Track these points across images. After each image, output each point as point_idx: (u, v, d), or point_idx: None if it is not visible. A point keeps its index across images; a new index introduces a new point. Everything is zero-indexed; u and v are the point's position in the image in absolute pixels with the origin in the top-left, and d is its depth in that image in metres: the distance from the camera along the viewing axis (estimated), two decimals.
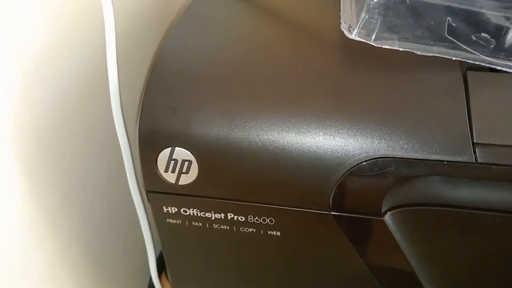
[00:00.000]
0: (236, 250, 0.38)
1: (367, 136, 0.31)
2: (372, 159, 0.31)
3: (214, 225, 0.36)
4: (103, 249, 0.56)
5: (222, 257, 0.39)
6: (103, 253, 0.57)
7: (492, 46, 0.35)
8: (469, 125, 0.30)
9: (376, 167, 0.31)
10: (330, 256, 0.36)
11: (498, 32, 0.35)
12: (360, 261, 0.36)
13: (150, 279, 0.69)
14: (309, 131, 0.32)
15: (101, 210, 0.54)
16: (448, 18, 0.34)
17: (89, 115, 0.48)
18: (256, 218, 0.35)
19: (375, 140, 0.31)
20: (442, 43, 0.33)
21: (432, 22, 0.33)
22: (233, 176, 0.33)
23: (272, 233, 0.36)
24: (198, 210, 0.36)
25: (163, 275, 0.64)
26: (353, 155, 0.31)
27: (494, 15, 0.35)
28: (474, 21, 0.35)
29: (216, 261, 0.40)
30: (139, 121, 0.33)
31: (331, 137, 0.31)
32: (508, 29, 0.36)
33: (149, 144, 0.34)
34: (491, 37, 0.35)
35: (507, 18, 0.35)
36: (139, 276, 0.67)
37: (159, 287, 0.47)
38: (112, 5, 0.34)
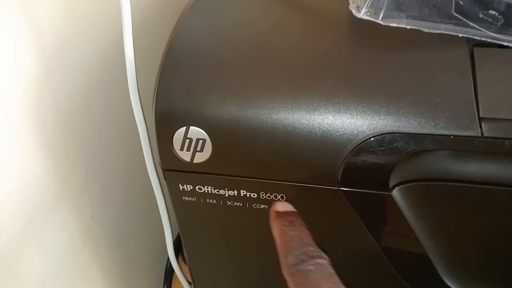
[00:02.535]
0: (249, 226, 0.39)
1: (374, 113, 0.32)
2: (379, 134, 0.32)
3: (227, 202, 0.38)
4: (123, 230, 0.58)
5: (235, 234, 0.41)
6: (124, 234, 0.59)
7: (500, 23, 0.35)
8: (475, 100, 0.31)
9: (384, 143, 0.32)
10: (340, 232, 0.38)
11: (508, 9, 0.36)
12: (369, 237, 0.37)
13: (168, 260, 0.71)
14: (318, 109, 0.33)
15: (121, 192, 0.56)
16: None
17: (108, 98, 0.50)
18: (268, 194, 0.36)
19: (382, 116, 0.32)
20: (449, 21, 0.34)
21: (439, 0, 0.34)
22: (245, 154, 0.35)
23: None
24: (212, 188, 0.37)
25: (180, 257, 0.66)
26: (361, 131, 0.32)
27: None
28: None
29: (230, 238, 0.41)
30: (155, 101, 0.35)
31: (340, 114, 0.32)
32: None
33: (165, 124, 0.35)
34: (499, 14, 0.35)
35: None
36: (159, 257, 0.70)
37: (176, 266, 0.49)
38: None
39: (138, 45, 0.45)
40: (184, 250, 0.44)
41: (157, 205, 0.48)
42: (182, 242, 0.43)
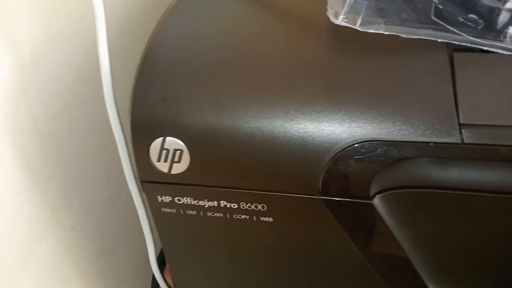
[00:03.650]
0: (231, 237, 0.39)
1: (354, 120, 0.31)
2: (359, 142, 0.31)
3: (208, 213, 0.37)
4: (106, 242, 0.57)
5: (217, 245, 0.40)
6: (107, 246, 0.58)
7: (480, 27, 0.35)
8: (455, 106, 0.30)
9: (363, 151, 0.31)
10: (323, 240, 0.37)
11: (490, 13, 0.35)
12: (352, 245, 0.36)
13: None
14: (297, 117, 0.32)
15: (103, 203, 0.55)
16: (435, 0, 0.34)
17: (88, 108, 0.49)
18: (248, 204, 0.36)
19: (361, 124, 0.31)
20: (428, 26, 0.33)
21: (419, 5, 0.33)
22: (224, 164, 0.34)
23: (264, 219, 0.36)
24: (191, 199, 0.36)
25: (166, 269, 0.65)
26: (340, 139, 0.32)
27: None
28: (462, 3, 0.35)
29: (212, 249, 0.41)
30: (131, 111, 0.34)
31: (319, 122, 0.32)
32: (500, 10, 0.36)
33: (141, 134, 0.34)
34: (479, 19, 0.35)
35: (500, 1, 0.35)
36: (144, 269, 0.69)
37: (160, 277, 0.48)
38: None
39: (116, 53, 0.44)
40: (167, 261, 0.44)
41: None
42: (164, 253, 0.43)
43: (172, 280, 0.45)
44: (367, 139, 0.31)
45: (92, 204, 0.53)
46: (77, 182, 0.50)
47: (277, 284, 0.42)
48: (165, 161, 0.34)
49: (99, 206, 0.54)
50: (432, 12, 0.33)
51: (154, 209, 0.38)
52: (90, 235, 0.54)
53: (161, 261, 0.52)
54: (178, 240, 0.40)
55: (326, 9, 0.34)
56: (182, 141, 0.33)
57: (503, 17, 0.35)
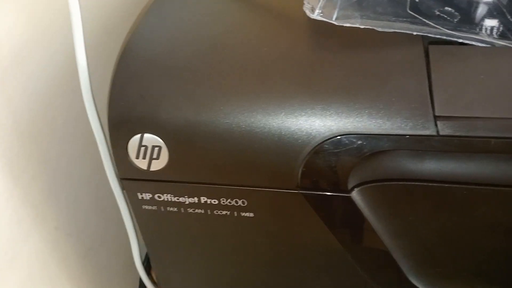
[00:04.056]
0: (212, 233, 0.39)
1: (330, 114, 0.31)
2: (336, 136, 0.31)
3: (188, 209, 0.37)
4: (93, 240, 0.57)
5: (199, 241, 0.40)
6: (94, 244, 0.58)
7: (456, 20, 0.35)
8: (430, 98, 0.30)
9: (340, 144, 0.31)
10: (304, 234, 0.37)
11: (466, 6, 0.35)
12: (333, 238, 0.36)
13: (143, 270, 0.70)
14: (274, 112, 0.32)
15: (89, 202, 0.55)
16: None
17: (70, 106, 0.49)
18: (229, 200, 0.36)
19: (338, 118, 0.31)
20: (404, 19, 0.33)
21: None
22: (203, 159, 0.34)
23: (245, 215, 0.36)
24: (171, 195, 0.36)
25: None
26: (318, 133, 0.32)
27: None
28: None
29: (194, 245, 0.41)
30: (108, 108, 0.34)
31: (296, 117, 0.32)
32: (477, 3, 0.36)
33: (118, 132, 0.34)
34: (455, 11, 0.35)
35: None
36: (133, 267, 0.68)
37: (144, 275, 0.48)
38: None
39: (95, 52, 0.44)
40: (150, 258, 0.44)
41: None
42: (147, 250, 0.42)
43: (156, 277, 0.45)
44: (344, 133, 0.31)
45: (77, 203, 0.53)
46: (62, 181, 0.49)
47: (260, 279, 0.42)
48: (144, 158, 0.34)
49: (85, 205, 0.54)
50: (408, 5, 0.33)
51: (134, 206, 0.38)
52: (76, 234, 0.53)
53: (149, 262, 0.52)
54: (160, 237, 0.40)
55: (303, 4, 0.34)
56: (160, 138, 0.33)
57: (480, 10, 0.35)
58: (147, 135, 0.33)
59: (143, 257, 0.61)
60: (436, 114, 0.30)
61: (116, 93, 0.34)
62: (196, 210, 0.37)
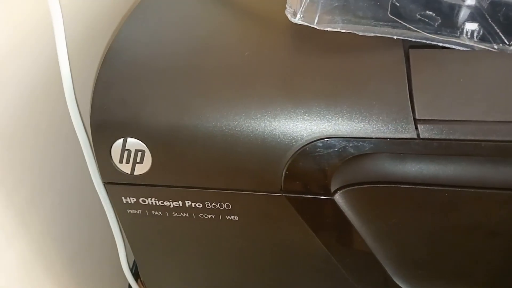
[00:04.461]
0: (198, 236, 0.39)
1: (312, 118, 0.31)
2: (317, 140, 0.31)
3: (173, 213, 0.37)
4: (80, 245, 0.57)
5: (185, 244, 0.40)
6: (81, 249, 0.57)
7: (437, 24, 0.35)
8: (410, 102, 0.31)
9: (322, 148, 0.32)
10: (289, 237, 0.37)
11: (447, 9, 0.36)
12: (317, 241, 0.36)
13: (132, 274, 0.70)
14: (257, 116, 0.32)
15: (75, 206, 0.55)
16: None
17: (54, 111, 0.48)
18: (213, 204, 0.36)
19: (320, 121, 0.31)
20: (385, 23, 0.34)
21: (374, 2, 0.34)
22: (186, 163, 0.34)
23: (230, 218, 0.36)
24: (156, 199, 0.36)
25: None
26: (300, 137, 0.32)
27: None
28: (420, 0, 0.35)
29: (179, 249, 0.40)
30: (91, 113, 0.34)
31: (278, 120, 0.32)
32: (460, 7, 0.36)
33: (102, 136, 0.34)
34: (436, 15, 0.36)
35: None
36: (121, 272, 0.68)
37: (131, 279, 0.47)
38: (60, 5, 0.34)
39: (79, 56, 0.44)
40: (136, 262, 0.43)
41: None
42: (133, 253, 0.42)
43: (142, 281, 0.44)
44: (326, 136, 0.31)
45: (63, 208, 0.52)
46: (47, 186, 0.49)
47: (246, 281, 0.42)
48: (127, 162, 0.34)
49: (70, 209, 0.54)
50: (389, 10, 0.34)
51: (119, 210, 0.38)
52: (62, 239, 0.53)
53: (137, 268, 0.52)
54: (145, 241, 0.40)
55: (285, 8, 0.35)
56: (143, 142, 0.33)
57: (461, 14, 0.36)
58: (130, 139, 0.33)
59: (132, 262, 0.60)
60: (417, 117, 0.30)
61: (98, 97, 0.34)
62: (181, 214, 0.37)
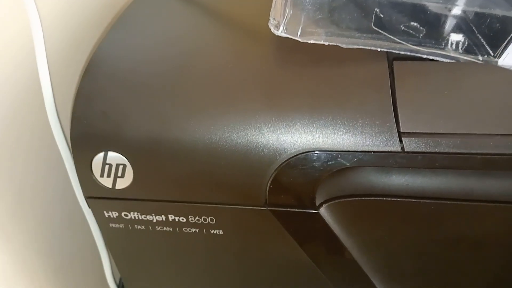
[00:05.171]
0: (182, 250, 0.38)
1: (296, 131, 0.31)
2: (301, 153, 0.31)
3: (156, 227, 0.36)
4: (64, 258, 0.56)
5: (169, 259, 0.39)
6: (65, 262, 0.56)
7: (421, 35, 0.35)
8: (394, 114, 0.30)
9: (307, 161, 0.31)
10: (274, 250, 0.37)
11: (433, 20, 0.36)
12: (303, 254, 0.36)
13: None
14: (240, 129, 0.32)
15: (57, 219, 0.54)
16: (376, 9, 0.34)
17: (35, 124, 0.48)
18: (197, 218, 0.35)
19: (303, 134, 0.31)
20: (368, 35, 0.34)
21: (357, 14, 0.33)
22: (169, 177, 0.33)
23: (214, 232, 0.36)
24: (139, 213, 0.35)
25: None
26: (283, 150, 0.31)
27: (431, 5, 0.35)
28: (404, 11, 0.35)
29: (164, 263, 0.40)
30: (71, 126, 0.33)
31: (262, 134, 0.31)
32: (446, 17, 0.36)
33: (82, 150, 0.33)
34: (421, 26, 0.35)
35: (447, 8, 0.35)
36: (107, 285, 0.67)
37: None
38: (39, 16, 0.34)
39: (60, 67, 0.43)
40: (120, 275, 0.43)
41: None
42: (117, 267, 0.42)
43: None
44: (309, 150, 0.31)
45: (46, 220, 0.51)
46: (29, 199, 0.48)
47: None
48: (109, 176, 0.34)
49: (54, 222, 0.53)
50: (373, 21, 0.33)
51: (101, 224, 0.37)
52: (46, 252, 0.52)
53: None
54: (129, 255, 0.40)
55: (268, 21, 0.34)
56: (124, 156, 0.33)
57: (446, 25, 0.36)
58: (111, 153, 0.33)
59: (119, 277, 0.59)
60: (401, 130, 0.30)
61: (79, 110, 0.33)
62: (164, 228, 0.36)
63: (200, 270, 0.40)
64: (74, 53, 0.52)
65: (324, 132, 0.31)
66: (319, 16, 0.32)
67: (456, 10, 0.36)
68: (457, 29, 0.35)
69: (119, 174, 0.33)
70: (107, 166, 0.33)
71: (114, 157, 0.33)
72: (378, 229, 0.34)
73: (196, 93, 0.33)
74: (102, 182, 0.34)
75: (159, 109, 0.33)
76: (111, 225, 0.37)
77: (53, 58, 0.36)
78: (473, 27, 0.35)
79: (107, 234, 0.38)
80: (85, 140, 0.33)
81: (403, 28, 0.35)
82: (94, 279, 0.63)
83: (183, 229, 0.36)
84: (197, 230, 0.36)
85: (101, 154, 0.33)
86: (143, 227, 0.36)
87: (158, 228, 0.36)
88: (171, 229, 0.36)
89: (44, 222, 0.51)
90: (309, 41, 0.32)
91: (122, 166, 0.33)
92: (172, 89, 0.33)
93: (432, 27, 0.35)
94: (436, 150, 0.30)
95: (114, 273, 0.49)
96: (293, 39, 0.33)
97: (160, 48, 0.36)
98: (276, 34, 0.32)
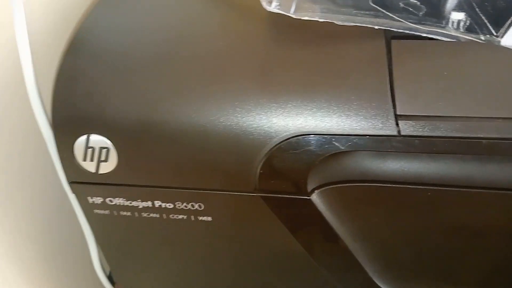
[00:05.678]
0: (170, 238, 0.37)
1: (287, 114, 0.29)
2: (293, 136, 0.29)
3: (143, 213, 0.35)
4: (52, 244, 0.55)
5: (157, 246, 0.38)
6: (56, 248, 0.55)
7: (421, 13, 0.33)
8: (391, 96, 0.29)
9: (298, 145, 0.30)
10: (265, 237, 0.35)
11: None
12: (295, 242, 0.35)
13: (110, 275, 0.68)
14: (229, 112, 0.30)
15: (45, 205, 0.52)
16: None
17: (18, 109, 0.46)
18: (185, 204, 0.34)
19: (295, 117, 0.29)
20: (366, 12, 0.32)
21: None
22: (154, 161, 0.32)
23: (203, 219, 0.34)
24: (124, 199, 0.34)
25: None
26: (275, 133, 0.30)
27: None
28: None
29: (151, 250, 0.39)
30: (52, 107, 0.32)
31: (252, 116, 0.30)
32: None
33: (63, 132, 0.32)
34: (421, 3, 0.34)
35: None
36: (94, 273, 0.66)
37: (103, 278, 0.45)
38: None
39: (41, 50, 0.41)
40: (107, 262, 0.41)
41: None
42: (103, 254, 0.40)
43: (115, 282, 0.43)
44: (301, 133, 0.29)
45: (34, 206, 0.50)
46: (15, 185, 0.47)
47: (221, 283, 0.40)
48: (92, 160, 0.32)
49: (42, 208, 0.52)
50: None
51: (85, 210, 0.36)
52: (34, 238, 0.51)
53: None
54: (115, 242, 0.38)
55: None
56: (108, 139, 0.31)
57: (450, 2, 0.34)
58: (93, 136, 0.31)
59: None
60: (398, 113, 0.29)
61: (60, 90, 0.32)
62: (151, 215, 0.35)
63: (189, 259, 0.39)
64: (58, 30, 0.50)
65: (317, 115, 0.29)
66: None
67: None
68: (458, 7, 0.33)
69: (103, 158, 0.32)
70: (90, 150, 0.32)
71: (97, 140, 0.31)
72: (372, 216, 0.33)
73: (184, 73, 0.31)
74: (84, 166, 0.32)
75: (144, 90, 0.31)
76: (95, 211, 0.35)
77: (35, 37, 0.34)
78: (475, 5, 0.33)
79: (92, 221, 0.37)
80: (67, 122, 0.31)
81: (402, 5, 0.33)
82: (84, 266, 0.62)
83: (170, 216, 0.35)
84: (185, 217, 0.34)
85: (84, 137, 0.31)
86: (128, 213, 0.35)
87: (145, 215, 0.35)
88: (157, 216, 0.35)
89: (31, 208, 0.49)
90: (303, 18, 0.30)
91: (105, 149, 0.32)
92: (160, 69, 0.32)
93: (433, 5, 0.33)
94: (434, 134, 0.28)
95: (104, 262, 0.48)
96: (287, 16, 0.31)
97: (147, 26, 0.34)
98: (268, 10, 0.31)
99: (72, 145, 0.32)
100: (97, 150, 0.32)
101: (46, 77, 0.38)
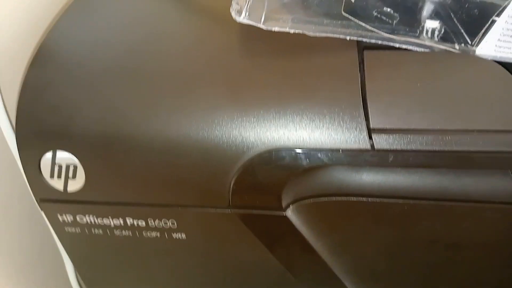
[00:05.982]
0: (144, 256, 0.36)
1: (259, 128, 0.29)
2: (266, 151, 0.29)
3: (115, 231, 0.34)
4: (25, 260, 0.53)
5: (131, 265, 0.37)
6: (26, 264, 0.54)
7: (395, 22, 0.33)
8: (364, 109, 0.28)
9: (271, 160, 0.29)
10: (242, 254, 0.35)
11: (409, 6, 0.33)
12: (272, 257, 0.34)
13: None
14: (201, 126, 0.29)
15: (18, 220, 0.51)
16: None
17: None
18: (157, 221, 0.33)
19: (267, 131, 0.29)
20: (338, 22, 0.31)
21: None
22: (124, 178, 0.31)
23: (177, 236, 0.33)
24: (94, 217, 0.33)
25: None
26: (247, 148, 0.29)
27: None
28: None
29: (126, 270, 0.37)
30: (16, 123, 0.30)
31: (223, 130, 0.29)
32: (423, 2, 0.34)
33: (28, 149, 0.31)
34: (395, 12, 0.33)
35: None
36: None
37: None
38: None
39: (5, 58, 0.40)
40: (82, 280, 0.40)
41: None
42: (78, 274, 0.39)
43: None
44: (274, 148, 0.29)
45: (6, 221, 0.49)
46: None
47: None
48: (59, 177, 0.31)
49: (14, 223, 0.50)
50: (343, 7, 0.31)
51: (56, 229, 0.35)
52: (7, 254, 0.49)
53: None
54: (89, 261, 0.37)
55: (231, 5, 0.31)
56: (74, 155, 0.30)
57: (421, 10, 0.33)
58: (60, 153, 0.30)
59: None
60: (371, 126, 0.28)
61: (24, 105, 0.31)
62: (123, 232, 0.34)
63: (164, 277, 0.38)
64: (23, 40, 0.48)
65: (289, 129, 0.28)
66: (285, 1, 0.30)
67: None
68: (433, 15, 0.33)
69: (70, 175, 0.31)
70: (56, 167, 0.31)
71: (63, 156, 0.30)
72: (348, 230, 0.32)
73: (153, 87, 0.30)
74: (52, 184, 0.31)
75: (112, 104, 0.30)
76: (66, 229, 0.34)
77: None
78: (451, 13, 0.33)
79: (63, 239, 0.35)
80: (31, 137, 0.30)
81: (375, 14, 0.33)
82: (60, 282, 0.61)
83: (144, 233, 0.34)
84: (158, 235, 0.33)
85: (49, 154, 0.30)
86: (100, 231, 0.34)
87: (117, 233, 0.34)
88: (130, 234, 0.34)
89: (7, 222, 0.48)
90: (273, 29, 0.29)
91: (73, 166, 0.31)
92: (126, 83, 0.31)
93: (407, 13, 0.33)
94: (409, 147, 0.28)
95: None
96: (257, 27, 0.30)
97: (116, 38, 0.33)
98: (238, 21, 0.30)
99: (38, 161, 0.31)
100: (64, 167, 0.31)
101: (12, 90, 0.36)
